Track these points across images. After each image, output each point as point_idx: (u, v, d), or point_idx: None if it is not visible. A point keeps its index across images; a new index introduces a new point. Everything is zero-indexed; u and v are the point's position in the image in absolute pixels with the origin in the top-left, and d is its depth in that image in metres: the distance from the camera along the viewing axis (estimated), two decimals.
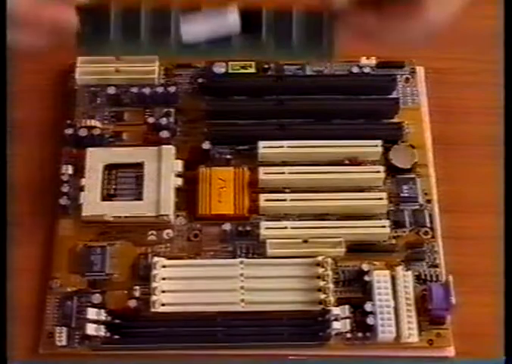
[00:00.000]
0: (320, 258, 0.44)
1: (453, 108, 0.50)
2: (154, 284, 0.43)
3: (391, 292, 0.43)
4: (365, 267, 0.44)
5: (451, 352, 0.43)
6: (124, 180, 0.47)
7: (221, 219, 0.46)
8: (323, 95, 0.50)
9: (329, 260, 0.44)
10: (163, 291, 0.43)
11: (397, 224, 0.46)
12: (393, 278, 0.43)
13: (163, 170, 0.46)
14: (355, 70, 0.51)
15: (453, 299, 0.41)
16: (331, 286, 0.43)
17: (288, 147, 0.47)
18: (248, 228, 0.46)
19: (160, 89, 0.49)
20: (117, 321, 0.43)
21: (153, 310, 0.42)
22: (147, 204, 0.46)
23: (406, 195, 0.47)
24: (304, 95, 0.50)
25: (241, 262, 0.44)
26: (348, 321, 0.43)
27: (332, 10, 0.36)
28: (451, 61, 0.51)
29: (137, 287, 0.44)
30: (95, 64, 0.50)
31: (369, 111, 0.50)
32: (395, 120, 0.50)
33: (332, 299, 0.43)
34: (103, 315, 0.42)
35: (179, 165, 0.47)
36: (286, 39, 0.38)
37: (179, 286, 0.43)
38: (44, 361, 0.43)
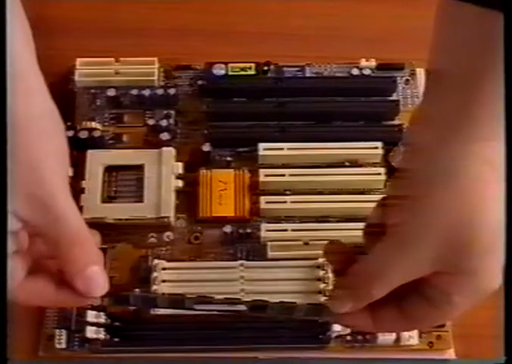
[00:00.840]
0: (320, 260, 0.44)
1: None
2: (154, 287, 0.43)
3: None
4: None
5: (451, 354, 0.43)
6: (124, 183, 0.47)
7: (222, 221, 0.46)
8: (323, 97, 0.50)
9: None
10: (164, 294, 0.43)
11: None
12: None
13: (164, 172, 0.46)
14: (355, 72, 0.51)
15: None
16: (331, 287, 0.43)
17: (289, 149, 0.47)
18: (249, 230, 0.46)
19: (160, 91, 0.49)
20: (117, 323, 0.43)
21: (153, 313, 0.42)
22: (147, 206, 0.46)
23: None
24: (304, 97, 0.50)
25: (242, 265, 0.44)
26: None
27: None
28: None
29: (137, 290, 0.44)
30: (95, 66, 0.50)
31: (370, 113, 0.50)
32: (395, 122, 0.50)
33: None
34: (103, 318, 0.42)
35: (179, 167, 0.47)
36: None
37: (180, 288, 0.43)
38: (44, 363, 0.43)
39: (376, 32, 0.53)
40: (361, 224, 0.44)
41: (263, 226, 0.45)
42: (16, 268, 0.36)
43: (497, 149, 0.33)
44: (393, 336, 0.42)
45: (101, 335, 0.42)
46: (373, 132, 0.49)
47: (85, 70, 0.50)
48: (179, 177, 0.47)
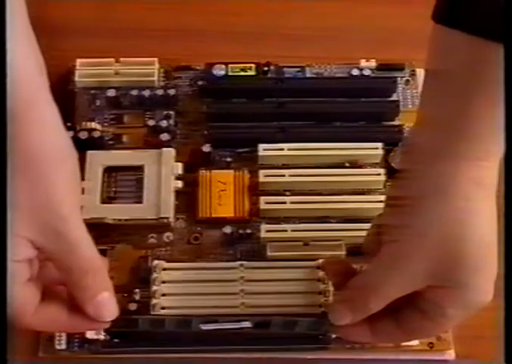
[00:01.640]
0: (320, 260, 0.44)
1: None
2: (154, 287, 0.43)
3: None
4: None
5: (451, 355, 0.43)
6: (124, 183, 0.47)
7: (221, 222, 0.46)
8: (324, 97, 0.50)
9: None
10: (164, 294, 0.43)
11: None
12: None
13: (164, 172, 0.46)
14: (355, 72, 0.51)
15: None
16: (331, 289, 0.43)
17: (289, 150, 0.47)
18: (249, 231, 0.46)
19: (160, 92, 0.49)
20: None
21: (153, 313, 0.42)
22: (147, 207, 0.46)
23: None
24: (304, 98, 0.50)
25: (242, 265, 0.44)
26: None
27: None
28: None
29: (137, 290, 0.44)
30: (95, 66, 0.50)
31: (370, 113, 0.50)
32: (396, 122, 0.50)
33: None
34: None
35: (179, 168, 0.47)
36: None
37: (180, 289, 0.43)
38: None
39: (376, 33, 0.53)
40: (361, 225, 0.45)
41: (263, 226, 0.45)
42: (30, 297, 0.36)
43: (485, 169, 0.34)
44: None
45: (101, 336, 0.42)
46: (373, 132, 0.49)
47: (85, 71, 0.50)
48: (178, 177, 0.47)
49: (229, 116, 0.49)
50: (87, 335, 0.42)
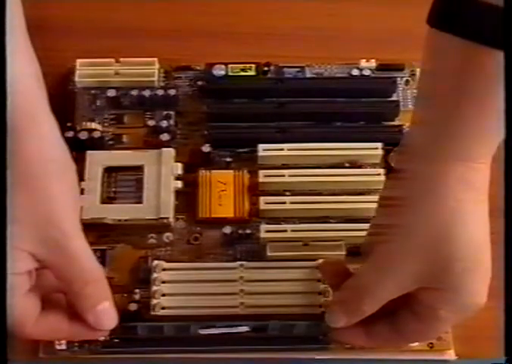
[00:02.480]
0: (320, 261, 0.44)
1: None
2: (154, 288, 0.43)
3: None
4: None
5: (451, 355, 0.43)
6: (124, 183, 0.47)
7: (221, 222, 0.46)
8: (323, 97, 0.50)
9: None
10: (164, 294, 0.43)
11: None
12: None
13: (163, 173, 0.46)
14: (355, 72, 0.51)
15: None
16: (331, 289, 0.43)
17: (289, 150, 0.47)
18: (248, 231, 0.46)
19: (160, 92, 0.49)
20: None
21: (153, 313, 0.42)
22: (147, 207, 0.46)
23: None
24: (304, 98, 0.50)
25: (242, 265, 0.44)
26: None
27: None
28: None
29: (137, 291, 0.44)
30: (95, 66, 0.50)
31: (370, 113, 0.50)
32: (396, 122, 0.50)
33: None
34: None
35: (179, 168, 0.47)
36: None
37: (179, 289, 0.43)
38: None
39: (376, 33, 0.53)
40: (361, 225, 0.45)
41: (263, 227, 0.45)
42: (30, 307, 0.36)
43: (474, 170, 0.34)
44: None
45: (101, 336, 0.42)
46: (373, 133, 0.49)
47: (86, 71, 0.50)
48: (178, 177, 0.47)
49: (229, 116, 0.49)
50: None
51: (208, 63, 0.51)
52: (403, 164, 0.37)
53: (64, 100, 0.51)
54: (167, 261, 0.44)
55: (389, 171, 0.47)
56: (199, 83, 0.51)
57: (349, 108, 0.49)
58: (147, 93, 0.49)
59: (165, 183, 0.46)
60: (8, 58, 0.34)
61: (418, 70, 0.52)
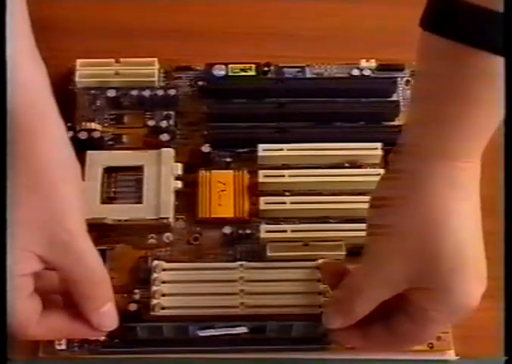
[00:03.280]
0: (320, 261, 0.44)
1: None
2: (154, 288, 0.43)
3: None
4: None
5: (451, 355, 0.43)
6: (124, 183, 0.47)
7: (221, 222, 0.46)
8: (323, 97, 0.50)
9: None
10: (164, 294, 0.43)
11: None
12: None
13: (163, 173, 0.46)
14: (355, 72, 0.51)
15: None
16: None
17: (288, 150, 0.47)
18: (248, 231, 0.46)
19: (160, 92, 0.49)
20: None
21: (153, 314, 0.42)
22: (147, 207, 0.46)
23: None
24: (304, 98, 0.50)
25: (241, 265, 0.44)
26: None
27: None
28: None
29: (137, 291, 0.44)
30: (95, 66, 0.50)
31: (370, 113, 0.50)
32: (396, 123, 0.50)
33: None
34: None
35: (178, 168, 0.47)
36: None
37: (179, 289, 0.43)
38: None
39: (376, 33, 0.53)
40: (361, 225, 0.45)
41: (263, 227, 0.45)
42: (33, 309, 0.37)
43: (461, 169, 0.35)
44: None
45: (101, 336, 0.42)
46: (373, 133, 0.49)
47: (86, 71, 0.50)
48: (178, 177, 0.47)
49: (229, 116, 0.49)
50: None
51: (208, 63, 0.51)
52: (394, 163, 0.37)
53: (64, 100, 0.50)
54: (167, 261, 0.44)
55: None
56: (199, 83, 0.51)
57: (349, 108, 0.49)
58: (147, 93, 0.49)
59: (165, 184, 0.46)
60: (16, 59, 0.35)
61: None
